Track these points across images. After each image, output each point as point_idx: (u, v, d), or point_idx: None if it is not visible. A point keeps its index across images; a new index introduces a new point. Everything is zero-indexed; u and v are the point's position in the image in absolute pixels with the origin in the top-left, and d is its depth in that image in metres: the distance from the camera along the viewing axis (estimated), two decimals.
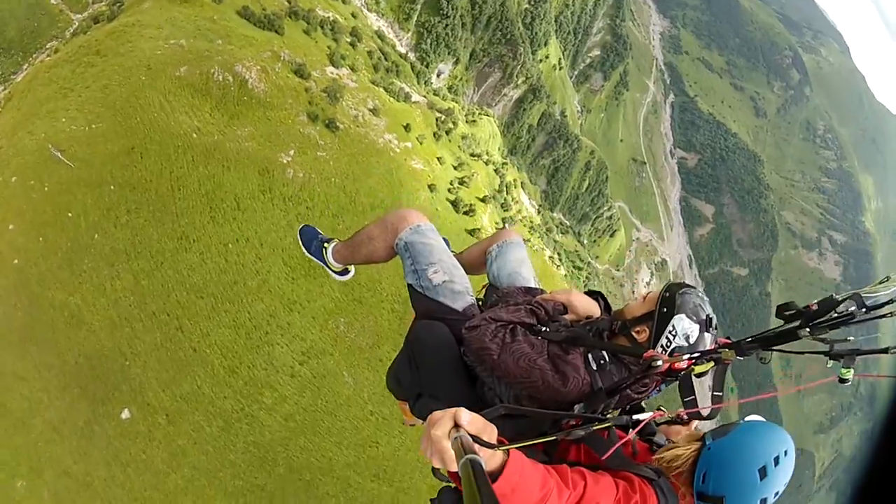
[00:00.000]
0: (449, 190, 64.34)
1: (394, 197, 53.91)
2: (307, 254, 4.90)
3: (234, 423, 39.17)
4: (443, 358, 3.70)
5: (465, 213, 63.74)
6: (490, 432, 2.15)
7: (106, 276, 39.95)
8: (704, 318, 3.13)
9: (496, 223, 69.05)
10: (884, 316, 2.66)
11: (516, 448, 2.25)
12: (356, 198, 51.04)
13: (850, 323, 2.66)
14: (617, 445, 2.77)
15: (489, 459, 2.09)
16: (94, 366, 38.09)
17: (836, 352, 2.67)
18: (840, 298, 2.65)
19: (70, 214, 40.91)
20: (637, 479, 2.72)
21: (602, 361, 3.25)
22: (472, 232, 60.97)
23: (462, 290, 3.92)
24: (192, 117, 46.41)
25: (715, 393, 2.96)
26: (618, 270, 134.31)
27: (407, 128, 62.05)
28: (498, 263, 4.35)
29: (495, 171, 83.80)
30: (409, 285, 3.98)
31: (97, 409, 37.67)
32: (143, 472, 37.49)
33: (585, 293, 3.86)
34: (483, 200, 69.09)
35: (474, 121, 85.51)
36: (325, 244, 4.80)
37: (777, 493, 2.75)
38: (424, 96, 76.21)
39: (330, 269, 4.81)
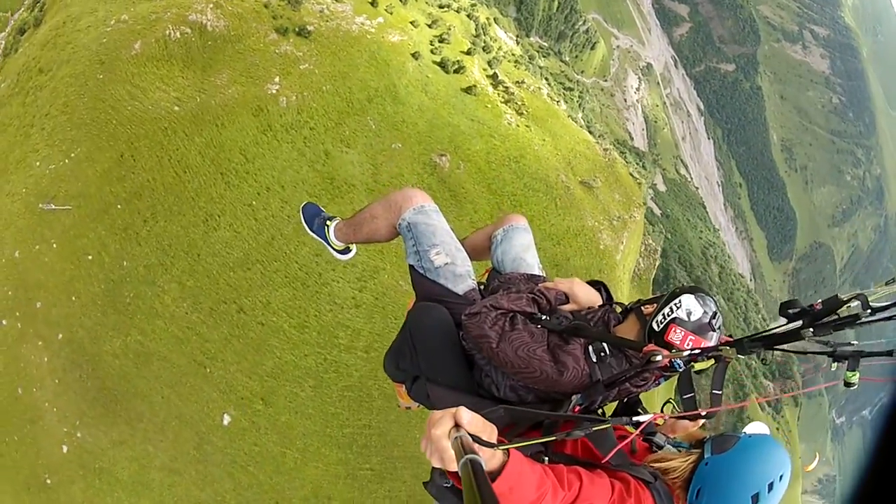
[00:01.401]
0: (432, 52, 59.90)
1: (386, 81, 50.51)
2: (309, 232, 5.06)
3: (322, 377, 38.37)
4: (441, 342, 3.74)
5: (455, 71, 59.59)
6: (490, 432, 2.18)
7: (151, 296, 37.34)
8: (711, 310, 3.21)
9: (485, 71, 65.23)
10: (890, 318, 2.62)
11: (517, 445, 2.28)
12: (352, 97, 47.55)
13: (855, 324, 2.63)
14: (618, 447, 2.73)
15: (489, 459, 2.10)
16: (179, 391, 36.71)
17: (839, 353, 2.67)
18: (845, 298, 2.66)
19: (90, 257, 37.70)
20: (634, 480, 2.71)
21: (602, 353, 3.27)
22: (467, 90, 57.69)
23: (463, 273, 3.96)
24: (166, 90, 41.93)
25: (714, 392, 2.98)
26: (605, 81, 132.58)
27: (374, 3, 57.42)
28: (503, 248, 4.38)
29: (468, 16, 78.80)
30: (411, 266, 4.05)
31: (199, 428, 36.67)
32: (262, 464, 37.24)
33: (587, 283, 3.95)
34: (468, 53, 64.73)
35: None
36: (328, 222, 4.89)
37: None
38: None
39: (332, 247, 4.92)
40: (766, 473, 2.75)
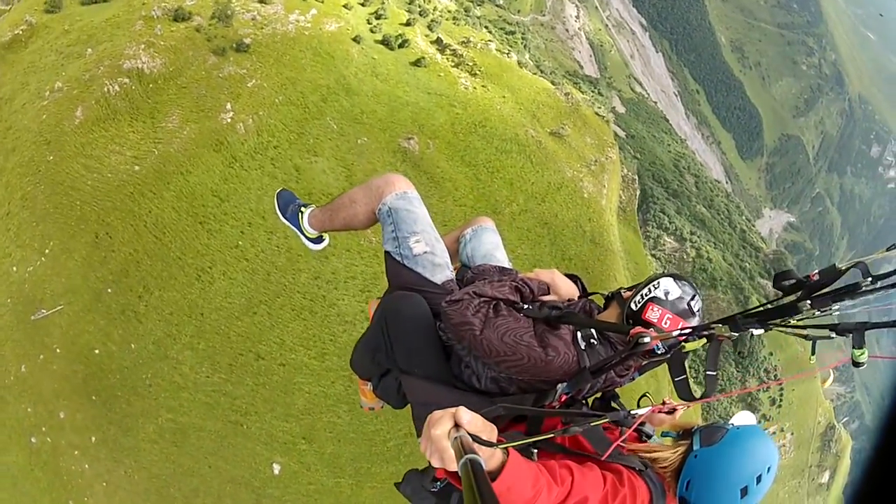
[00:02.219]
0: (372, 31, 58.25)
1: (335, 75, 49.11)
2: (282, 219, 4.87)
3: (354, 399, 37.11)
4: (419, 331, 3.66)
5: (400, 46, 58.04)
6: (490, 432, 2.16)
7: (169, 371, 36.27)
8: (690, 293, 3.32)
9: (428, 38, 63.73)
10: (893, 286, 2.51)
11: (518, 444, 2.29)
12: (306, 101, 46.17)
13: (856, 294, 2.55)
14: (615, 445, 2.68)
15: (489, 459, 2.10)
16: (224, 455, 36.12)
17: (842, 327, 2.61)
18: (843, 268, 2.60)
19: (96, 351, 36.24)
20: (626, 470, 2.71)
21: (592, 340, 3.27)
22: (416, 63, 56.46)
23: (442, 263, 3.93)
24: (121, 152, 39.97)
25: (709, 373, 2.86)
26: (543, 16, 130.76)
27: None
28: (472, 245, 4.37)
29: None
30: (387, 252, 3.99)
31: (253, 485, 36.35)
32: (322, 500, 37.17)
33: (564, 275, 3.94)
34: (408, 24, 62.95)
35: None
36: (302, 209, 4.74)
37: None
38: None
39: (304, 235, 4.76)
40: (754, 466, 2.75)
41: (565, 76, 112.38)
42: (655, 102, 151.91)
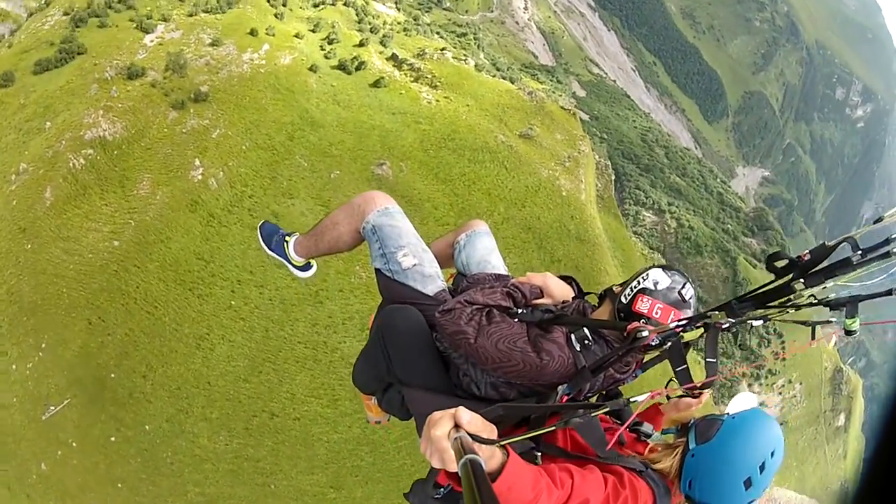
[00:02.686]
0: (326, 57, 58.17)
1: (298, 110, 48.84)
2: (268, 251, 4.77)
3: (372, 438, 38.05)
4: (415, 342, 3.61)
5: (357, 69, 57.69)
6: (490, 432, 2.15)
7: (188, 446, 35.94)
8: (680, 281, 3.14)
9: (383, 55, 63.55)
10: (882, 257, 2.55)
11: (517, 440, 2.28)
12: (273, 143, 45.80)
13: (848, 269, 2.58)
14: (614, 440, 2.70)
15: (489, 459, 2.08)
16: None
17: (836, 301, 2.65)
18: (833, 244, 2.66)
19: (112, 438, 35.80)
20: (626, 472, 2.69)
21: (586, 341, 3.20)
22: (376, 84, 56.03)
23: (432, 273, 3.86)
24: (97, 228, 39.36)
25: (708, 360, 2.78)
26: (492, 12, 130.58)
27: (253, 32, 55.26)
28: (466, 252, 4.22)
29: (345, 4, 76.61)
30: (377, 270, 3.91)
31: None
32: None
33: (559, 277, 3.83)
34: (361, 45, 62.74)
35: None
36: (287, 238, 4.66)
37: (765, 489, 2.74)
38: None
39: (291, 264, 4.70)
40: (754, 456, 2.65)
41: (522, 69, 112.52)
42: (614, 81, 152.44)
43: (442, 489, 3.22)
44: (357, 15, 75.57)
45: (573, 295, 3.73)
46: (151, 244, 39.18)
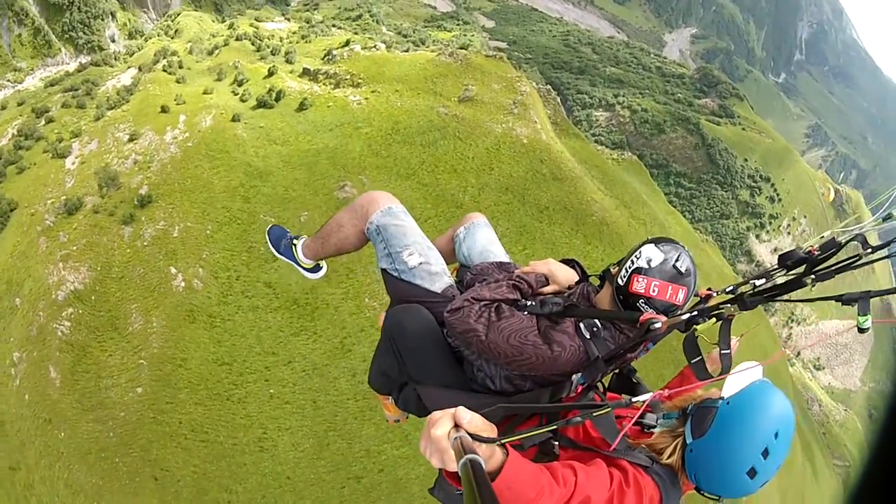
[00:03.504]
0: (243, 100, 56.69)
1: (241, 168, 47.30)
2: (277, 254, 4.84)
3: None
4: (426, 341, 3.66)
5: (277, 99, 56.17)
6: (490, 431, 2.17)
7: None
8: (674, 254, 3.15)
9: (293, 73, 62.44)
10: (891, 256, 2.68)
11: (517, 438, 2.28)
12: (232, 213, 44.45)
13: (857, 265, 2.68)
14: (621, 434, 2.65)
15: (488, 459, 2.12)
16: None
17: (847, 297, 2.63)
18: (842, 241, 2.76)
19: None
20: (632, 468, 2.69)
21: (595, 329, 3.25)
22: (301, 107, 54.65)
23: (439, 271, 3.90)
24: (114, 382, 37.68)
25: (723, 352, 2.96)
26: None
27: (164, 109, 53.73)
28: (467, 244, 4.34)
29: (236, 39, 75.23)
30: (384, 270, 3.96)
31: None
32: None
33: (561, 261, 3.87)
34: (270, 73, 61.13)
35: (173, 28, 78.73)
36: (295, 241, 4.76)
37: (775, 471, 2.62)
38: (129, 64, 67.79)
39: (301, 266, 4.77)
40: (754, 444, 2.55)
41: (427, 26, 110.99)
42: (517, 0, 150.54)
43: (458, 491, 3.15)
44: (252, 44, 74.11)
45: (577, 279, 3.77)
46: (171, 374, 37.95)
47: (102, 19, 75.09)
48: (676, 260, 3.14)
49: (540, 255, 40.10)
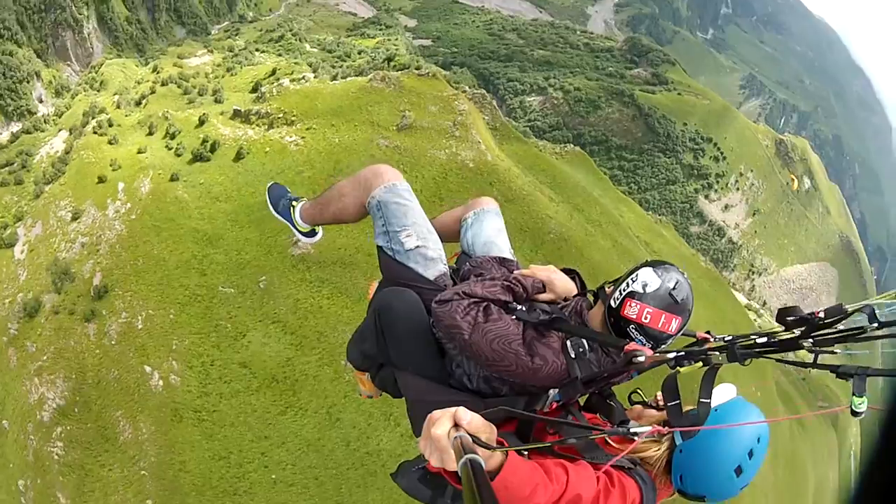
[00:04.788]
0: (178, 154, 55.33)
1: (189, 237, 46.29)
2: (274, 213, 4.78)
3: None
4: (411, 328, 3.59)
5: (212, 150, 54.77)
6: (489, 432, 2.19)
7: None
8: (671, 281, 3.08)
9: (224, 115, 60.76)
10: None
11: (516, 449, 2.30)
12: (191, 291, 43.49)
13: (859, 339, 2.62)
14: (615, 460, 2.63)
15: (488, 459, 2.13)
16: None
17: (843, 371, 2.61)
18: (850, 310, 2.63)
19: None
20: (615, 471, 2.70)
21: (581, 349, 3.21)
22: (238, 156, 53.41)
23: (435, 257, 3.83)
24: (122, 499, 37.31)
25: (702, 400, 2.81)
26: None
27: (102, 179, 52.19)
28: (473, 230, 4.21)
29: (163, 84, 73.32)
30: (379, 247, 3.90)
31: None
32: None
33: (562, 270, 3.80)
34: (202, 122, 59.31)
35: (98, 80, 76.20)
36: (294, 202, 4.67)
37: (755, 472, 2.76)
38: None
39: (297, 229, 4.69)
40: (741, 445, 2.74)
41: (350, 35, 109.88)
42: None
43: (422, 467, 3.17)
44: (179, 87, 72.31)
45: (575, 292, 3.71)
46: (175, 480, 37.30)
47: (28, 81, 72.29)
48: (673, 288, 3.09)
49: None
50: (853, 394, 2.54)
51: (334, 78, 66.74)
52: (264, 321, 42.11)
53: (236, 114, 60.37)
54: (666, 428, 2.78)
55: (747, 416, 2.81)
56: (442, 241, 4.07)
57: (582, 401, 3.45)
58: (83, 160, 55.90)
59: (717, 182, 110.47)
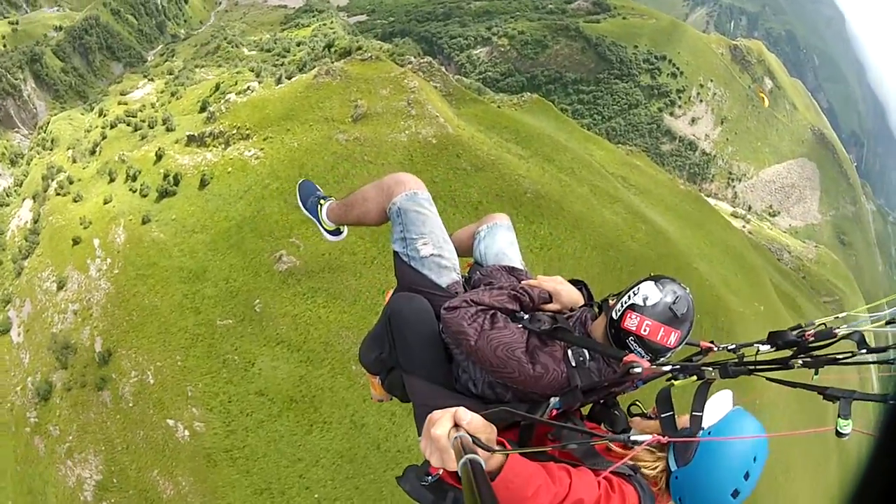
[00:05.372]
0: (144, 195, 54.69)
1: (173, 279, 46.21)
2: (303, 210, 4.91)
3: None
4: (421, 334, 3.68)
5: (176, 183, 54.28)
6: (490, 432, 2.21)
7: None
8: (672, 295, 3.12)
9: (179, 143, 60.10)
10: (888, 362, 2.64)
11: (515, 452, 2.31)
12: (191, 333, 43.38)
13: (847, 363, 2.66)
14: (614, 467, 2.68)
15: (488, 459, 2.14)
16: None
17: (830, 393, 2.63)
18: (841, 334, 2.70)
19: None
20: (615, 478, 2.72)
21: (581, 358, 3.26)
22: (203, 183, 52.91)
23: (449, 265, 3.92)
24: None
25: (694, 413, 2.88)
26: (220, 4, 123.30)
27: (76, 240, 51.78)
28: (486, 243, 4.34)
29: (111, 126, 72.11)
30: (396, 253, 3.98)
31: None
32: None
33: (570, 281, 3.88)
34: (159, 157, 58.75)
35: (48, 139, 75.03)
36: (322, 201, 4.79)
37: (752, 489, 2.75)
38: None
39: (323, 227, 4.81)
40: (736, 469, 2.75)
41: (284, 29, 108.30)
42: None
43: (430, 477, 3.17)
44: (128, 124, 71.32)
45: (582, 302, 3.78)
46: None
47: None
48: (674, 302, 3.14)
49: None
50: (839, 416, 2.57)
51: (279, 81, 65.72)
52: (269, 344, 42.04)
53: (191, 140, 59.53)
54: (665, 437, 2.78)
55: (745, 431, 2.82)
56: (457, 255, 4.17)
57: (586, 410, 3.53)
58: (53, 226, 55.41)
59: (679, 97, 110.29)
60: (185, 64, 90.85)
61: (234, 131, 56.75)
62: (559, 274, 3.96)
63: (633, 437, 2.64)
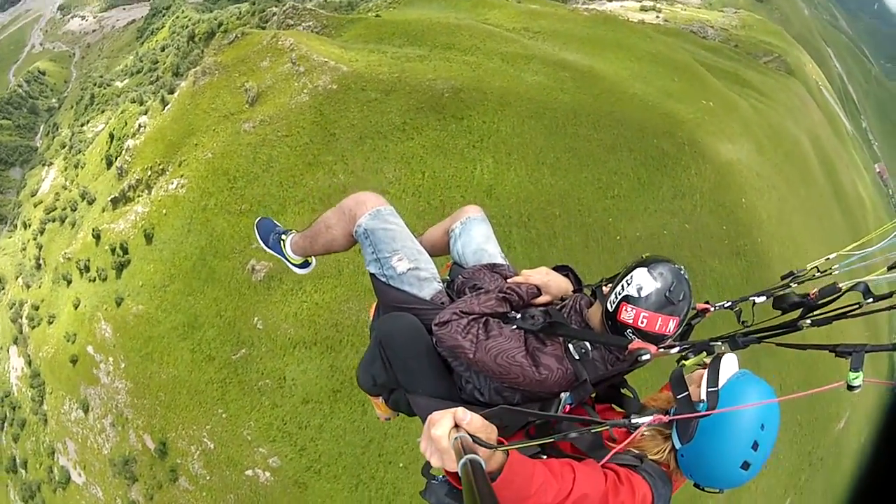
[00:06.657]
0: (104, 279, 52.71)
1: (167, 341, 45.34)
2: (265, 248, 4.82)
3: None
4: (414, 351, 3.63)
5: (125, 252, 52.18)
6: (490, 432, 2.22)
7: None
8: (667, 282, 3.08)
9: (106, 210, 58.06)
10: (892, 307, 2.62)
11: (514, 447, 2.30)
12: (209, 391, 42.95)
13: (855, 314, 2.67)
14: (613, 452, 2.73)
15: (489, 459, 2.16)
16: None
17: (842, 350, 2.59)
18: (844, 287, 2.73)
19: None
20: (622, 469, 2.72)
21: (583, 350, 3.24)
22: (148, 237, 50.89)
23: (429, 276, 3.87)
24: None
25: (709, 389, 2.75)
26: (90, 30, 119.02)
27: (73, 360, 50.71)
28: (462, 241, 4.29)
29: (41, 233, 71.31)
30: (372, 275, 3.92)
31: None
32: None
33: (554, 268, 3.85)
34: (97, 237, 56.32)
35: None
36: (283, 236, 4.71)
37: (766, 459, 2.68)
38: None
39: (289, 262, 4.75)
40: (743, 439, 2.65)
41: (141, 42, 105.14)
42: None
43: (436, 480, 3.20)
44: (52, 221, 70.26)
45: (571, 289, 3.77)
46: None
47: None
48: (668, 289, 3.07)
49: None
50: (850, 369, 2.51)
51: (164, 103, 63.23)
52: (287, 353, 41.48)
53: (115, 201, 57.61)
54: (667, 416, 2.67)
55: (749, 398, 2.66)
56: (432, 256, 4.12)
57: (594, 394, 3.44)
58: (46, 359, 54.51)
59: None
60: (72, 129, 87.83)
61: (149, 173, 54.62)
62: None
63: (633, 421, 2.55)
